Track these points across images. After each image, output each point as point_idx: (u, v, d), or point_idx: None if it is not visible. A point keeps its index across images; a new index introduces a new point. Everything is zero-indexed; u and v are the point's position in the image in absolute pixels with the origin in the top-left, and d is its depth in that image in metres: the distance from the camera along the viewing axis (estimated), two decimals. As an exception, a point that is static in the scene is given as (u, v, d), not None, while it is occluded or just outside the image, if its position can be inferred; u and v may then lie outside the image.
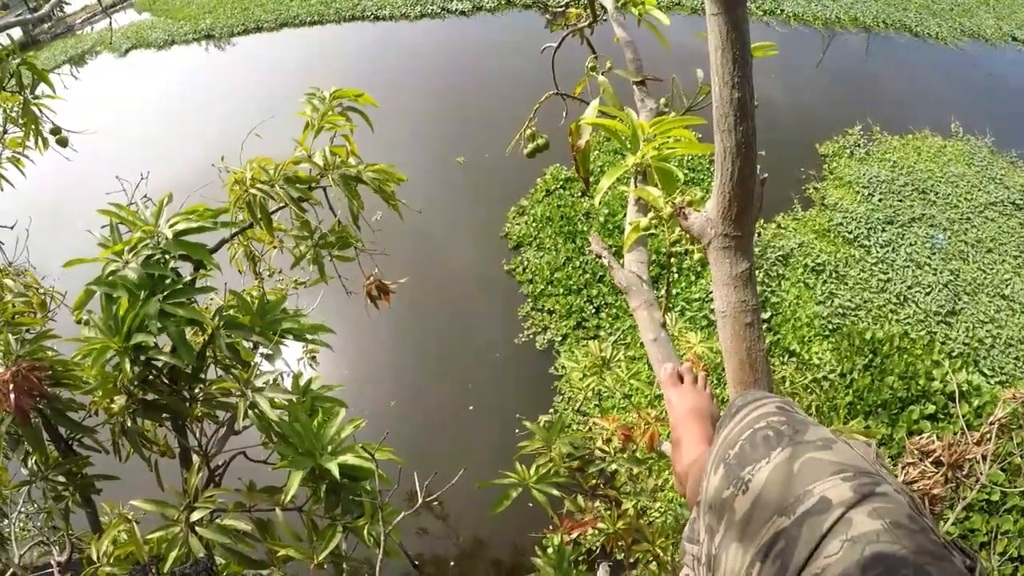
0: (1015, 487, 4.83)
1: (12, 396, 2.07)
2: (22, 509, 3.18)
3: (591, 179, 2.45)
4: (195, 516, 2.14)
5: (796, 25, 13.14)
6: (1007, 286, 7.77)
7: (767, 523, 0.82)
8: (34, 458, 2.44)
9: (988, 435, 2.74)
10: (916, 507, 0.83)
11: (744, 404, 1.06)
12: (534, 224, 8.67)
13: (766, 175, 1.34)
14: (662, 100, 2.42)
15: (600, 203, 8.41)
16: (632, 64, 2.50)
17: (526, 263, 8.16)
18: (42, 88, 3.61)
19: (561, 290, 7.72)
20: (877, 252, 8.06)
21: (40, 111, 3.63)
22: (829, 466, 0.84)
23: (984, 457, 2.67)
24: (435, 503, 2.57)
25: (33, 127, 3.61)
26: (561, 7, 3.56)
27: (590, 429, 2.95)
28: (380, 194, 2.67)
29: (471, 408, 6.83)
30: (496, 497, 2.78)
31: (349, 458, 2.18)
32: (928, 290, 7.61)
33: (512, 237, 8.63)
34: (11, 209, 4.76)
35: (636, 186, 1.82)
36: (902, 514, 0.76)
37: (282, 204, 2.50)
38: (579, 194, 8.94)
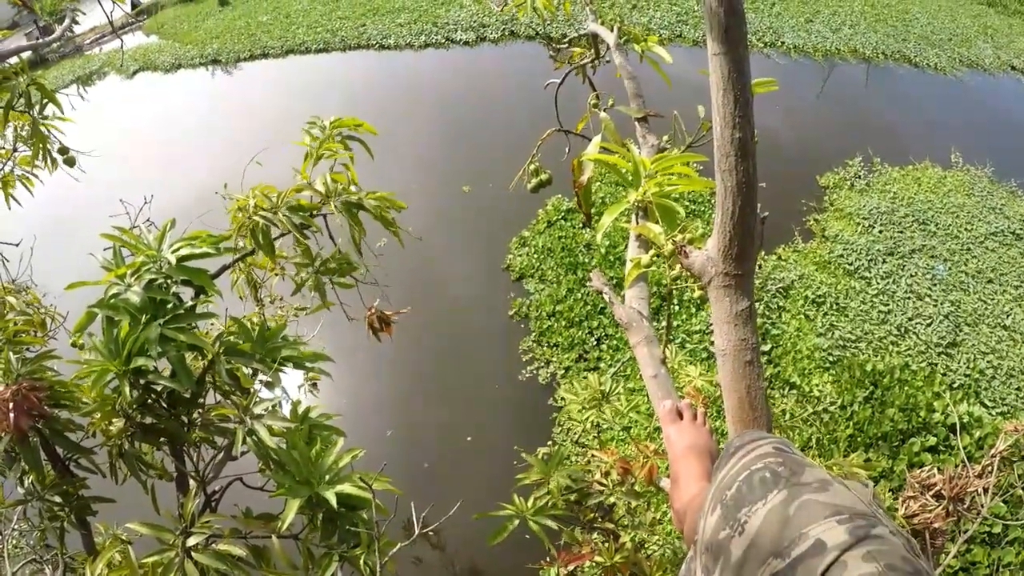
0: (1017, 519, 4.80)
1: (11, 415, 2.07)
2: (16, 527, 3.17)
3: (593, 212, 2.47)
4: (191, 541, 2.13)
5: (796, 57, 13.25)
6: (1008, 316, 7.76)
7: (763, 565, 0.82)
8: (31, 477, 2.44)
9: (990, 467, 2.73)
10: (912, 549, 0.83)
11: (742, 444, 1.06)
12: (536, 255, 8.68)
13: (766, 214, 1.36)
14: (664, 137, 2.44)
15: (602, 236, 8.41)
16: (634, 101, 2.52)
17: (529, 303, 8.11)
18: (51, 108, 3.65)
19: (563, 322, 7.71)
20: (878, 284, 8.06)
21: (48, 131, 3.67)
22: (825, 508, 0.84)
23: (985, 489, 2.66)
24: (431, 533, 2.55)
25: (41, 147, 3.64)
26: (565, 43, 3.60)
27: (588, 462, 2.94)
28: (381, 221, 2.68)
29: (469, 439, 6.79)
30: (493, 528, 2.76)
31: (347, 487, 2.17)
32: (929, 321, 7.60)
33: (514, 269, 8.63)
34: (16, 227, 4.78)
35: (637, 222, 1.84)
36: (897, 557, 0.76)
37: (285, 231, 2.51)
38: (580, 225, 8.96)
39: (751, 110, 1.21)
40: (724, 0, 1.16)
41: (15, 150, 3.94)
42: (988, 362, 7.19)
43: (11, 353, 2.27)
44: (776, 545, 0.82)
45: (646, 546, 4.24)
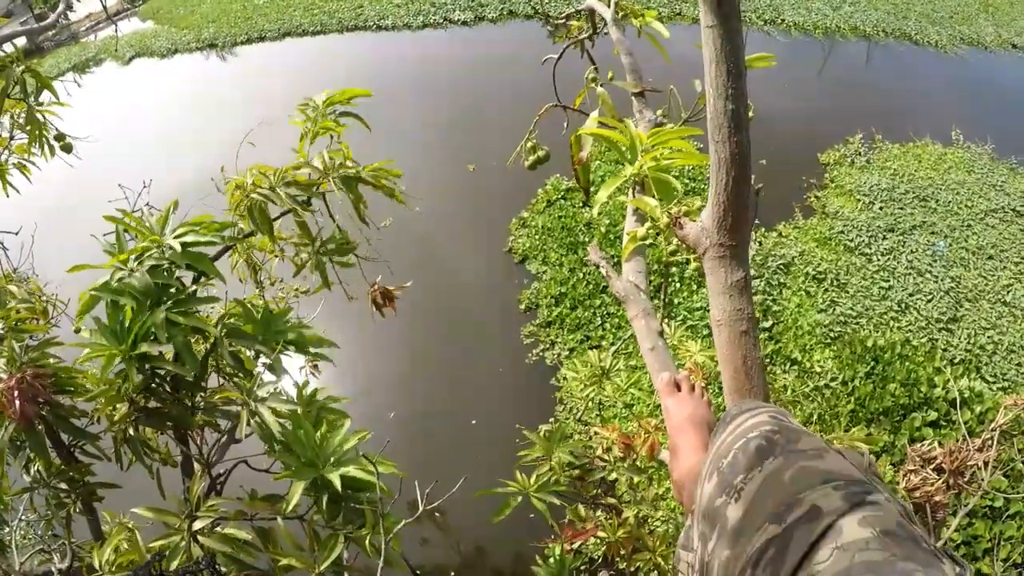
0: (1018, 493, 4.83)
1: (17, 403, 2.08)
2: (23, 516, 3.18)
3: (591, 189, 2.46)
4: (197, 525, 2.15)
5: (797, 35, 13.16)
6: (1008, 292, 7.75)
7: (758, 531, 0.83)
8: (36, 465, 2.45)
9: (990, 441, 2.75)
10: (907, 515, 0.84)
11: (738, 413, 1.07)
12: (537, 236, 8.64)
13: (760, 185, 1.35)
14: (660, 111, 2.44)
15: (601, 213, 8.39)
16: (631, 76, 2.51)
17: (538, 291, 8.04)
18: (47, 96, 3.63)
19: (568, 303, 7.71)
20: (878, 260, 8.05)
21: (44, 117, 3.66)
22: (820, 475, 0.85)
23: (986, 463, 2.67)
24: (436, 514, 2.57)
25: (38, 134, 3.64)
26: (562, 19, 3.59)
27: (591, 438, 2.96)
28: (382, 190, 2.66)
29: (474, 422, 6.80)
30: (497, 506, 2.79)
31: (351, 470, 2.18)
32: (929, 297, 7.60)
33: (517, 252, 8.60)
34: (14, 215, 4.78)
35: (634, 196, 1.84)
36: (892, 522, 0.77)
37: (284, 210, 2.50)
38: (580, 204, 8.92)
39: (744, 82, 1.21)
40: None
41: (12, 138, 3.93)
42: (988, 337, 7.19)
43: (14, 341, 2.28)
44: (772, 511, 0.83)
45: (649, 521, 4.28)
